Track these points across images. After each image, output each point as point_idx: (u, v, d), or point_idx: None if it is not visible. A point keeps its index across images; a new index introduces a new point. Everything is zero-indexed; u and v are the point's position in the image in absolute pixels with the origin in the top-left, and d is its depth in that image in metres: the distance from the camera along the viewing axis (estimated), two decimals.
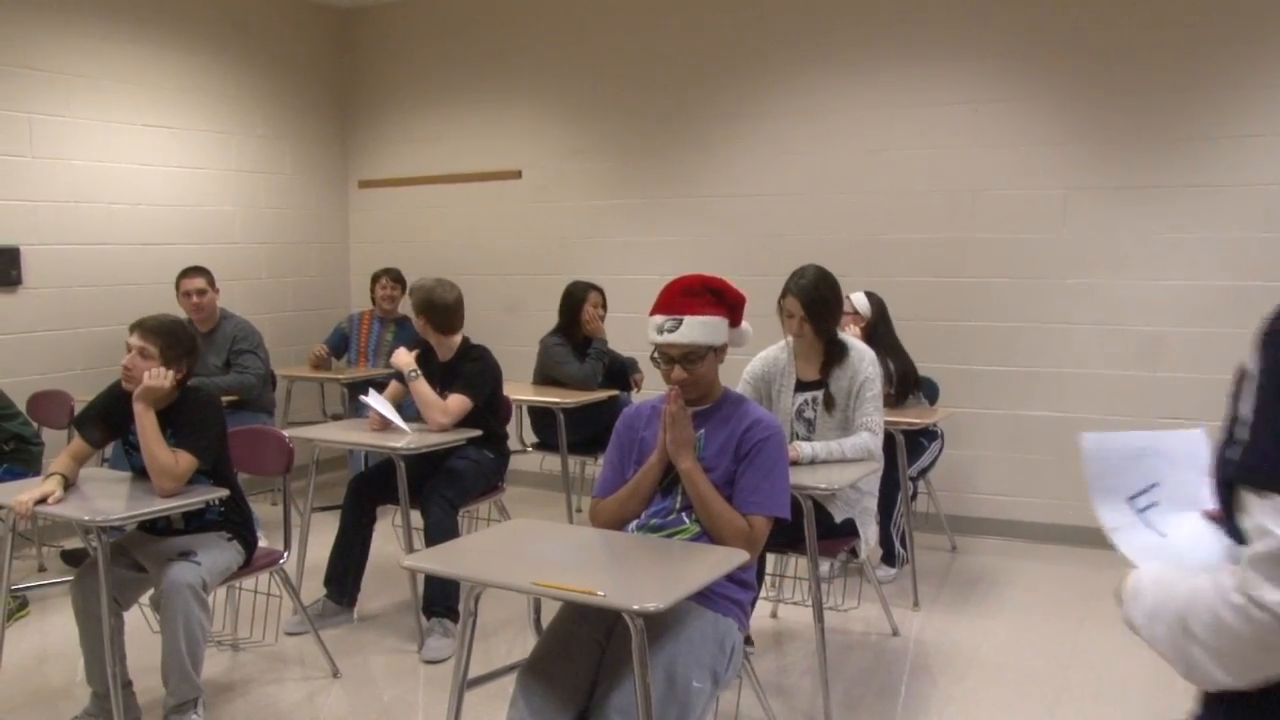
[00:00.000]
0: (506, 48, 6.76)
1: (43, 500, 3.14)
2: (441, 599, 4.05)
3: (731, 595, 2.67)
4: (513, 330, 6.46)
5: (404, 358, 4.28)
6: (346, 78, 7.38)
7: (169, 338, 3.30)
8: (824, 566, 4.18)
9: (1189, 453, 1.26)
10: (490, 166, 6.86)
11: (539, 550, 2.68)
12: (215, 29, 6.45)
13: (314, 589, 4.36)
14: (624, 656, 2.31)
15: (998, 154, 5.41)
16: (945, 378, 5.27)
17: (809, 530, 3.33)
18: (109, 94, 5.84)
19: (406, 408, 4.32)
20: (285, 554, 3.69)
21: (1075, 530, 5.14)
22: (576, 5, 6.51)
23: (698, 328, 2.77)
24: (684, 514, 2.76)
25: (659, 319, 2.80)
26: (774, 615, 4.33)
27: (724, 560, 2.50)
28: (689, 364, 2.78)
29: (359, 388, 5.27)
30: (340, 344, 6.38)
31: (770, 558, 3.78)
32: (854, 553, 3.71)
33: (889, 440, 4.12)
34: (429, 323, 4.32)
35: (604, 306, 5.51)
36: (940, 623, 4.31)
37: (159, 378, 3.25)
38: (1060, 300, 5.28)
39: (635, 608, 2.16)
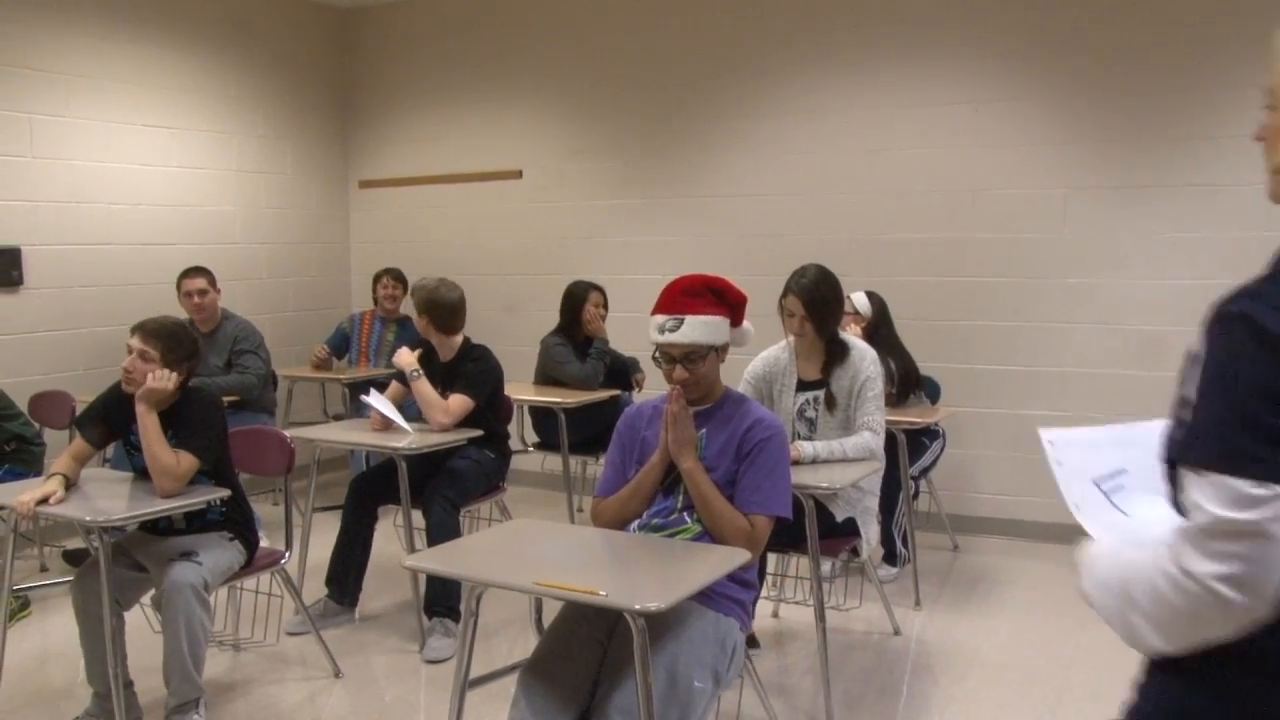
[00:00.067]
0: (507, 48, 6.76)
1: (44, 500, 3.14)
2: (443, 599, 4.05)
3: (733, 595, 2.67)
4: (514, 330, 6.46)
5: (407, 357, 4.28)
6: (347, 78, 7.38)
7: (170, 340, 3.30)
8: (825, 566, 4.18)
9: (1155, 442, 1.29)
10: (491, 166, 6.86)
11: (540, 550, 2.68)
12: (216, 29, 6.45)
13: (315, 589, 4.36)
14: (625, 656, 2.31)
15: (998, 154, 5.41)
16: (946, 377, 5.27)
17: (810, 530, 3.33)
18: (109, 94, 5.84)
19: (407, 408, 4.32)
20: (287, 554, 3.70)
21: (1077, 530, 5.09)
22: (577, 5, 6.50)
23: (699, 327, 2.77)
24: (685, 514, 2.76)
25: (660, 319, 2.80)
26: (775, 615, 4.33)
27: (725, 560, 2.50)
28: (690, 363, 2.78)
29: (360, 388, 5.27)
30: (341, 344, 6.38)
31: (772, 557, 3.78)
32: (855, 552, 3.72)
33: (890, 440, 4.12)
34: (432, 322, 4.32)
35: (605, 306, 5.51)
36: (942, 622, 4.31)
37: (163, 380, 3.25)
38: (1061, 300, 5.28)
39: (637, 607, 2.16)
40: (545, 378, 5.43)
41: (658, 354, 2.84)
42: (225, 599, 4.04)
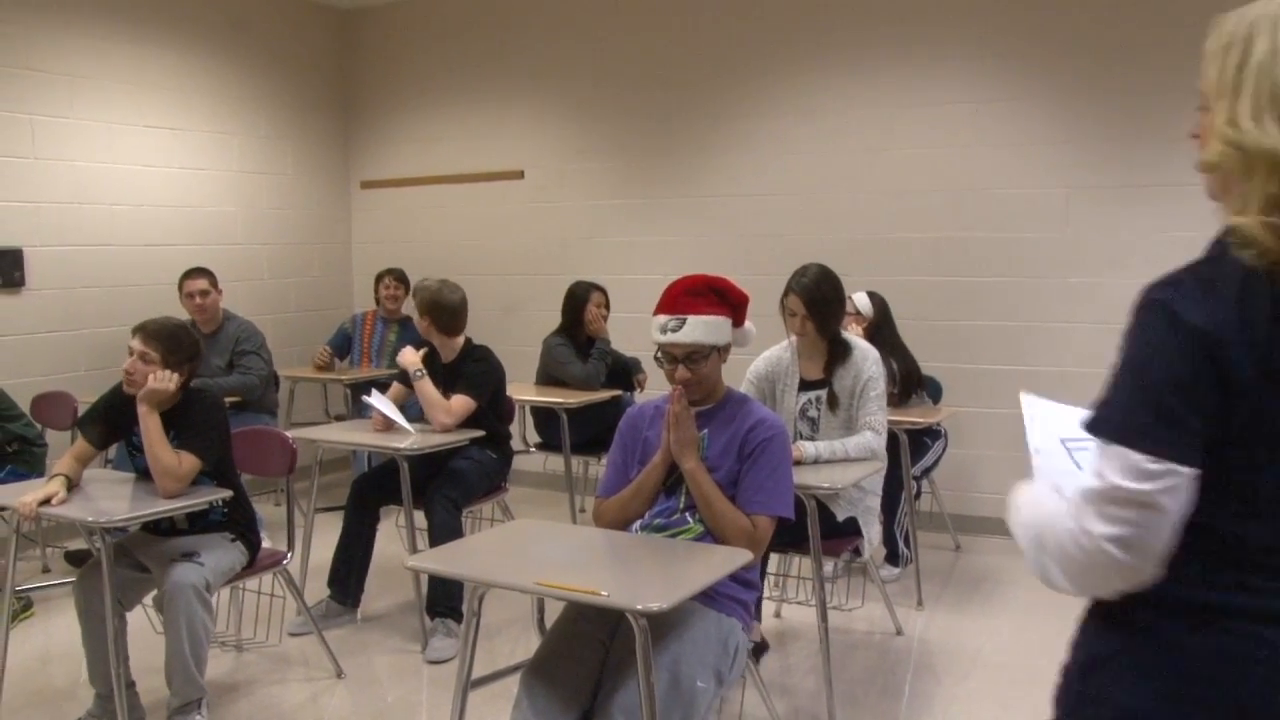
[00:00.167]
0: (508, 48, 6.76)
1: (46, 501, 3.14)
2: (445, 599, 4.05)
3: (735, 595, 2.66)
4: (515, 330, 6.46)
5: (410, 356, 4.28)
6: (348, 78, 7.39)
7: (170, 342, 3.30)
8: (827, 566, 4.17)
9: None
10: (492, 167, 6.87)
11: (542, 550, 2.68)
12: (217, 30, 6.45)
13: (317, 590, 4.36)
14: (628, 657, 2.31)
15: (999, 153, 5.41)
16: (948, 377, 5.27)
17: (812, 530, 3.33)
18: (111, 95, 5.85)
19: (409, 408, 4.32)
20: (289, 555, 3.70)
21: None
22: (578, 6, 6.51)
23: (701, 327, 2.77)
24: (687, 514, 2.76)
25: (662, 319, 2.80)
26: (778, 615, 4.33)
27: (727, 560, 2.50)
28: (692, 363, 2.78)
29: (362, 388, 5.27)
30: (343, 344, 6.38)
31: (774, 557, 3.78)
32: (857, 552, 3.71)
33: (892, 439, 4.11)
34: (434, 323, 4.32)
35: (607, 306, 5.51)
36: (944, 622, 4.30)
37: (164, 380, 3.25)
38: (1063, 299, 5.27)
39: (639, 608, 2.16)
40: (547, 378, 5.43)
41: (660, 354, 2.83)
42: (227, 599, 4.05)
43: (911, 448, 4.57)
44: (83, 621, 3.27)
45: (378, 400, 4.25)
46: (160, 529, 3.42)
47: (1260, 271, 1.17)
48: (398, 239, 7.25)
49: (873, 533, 3.71)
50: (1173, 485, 1.19)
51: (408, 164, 7.21)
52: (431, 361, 4.32)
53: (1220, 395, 1.19)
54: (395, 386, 4.44)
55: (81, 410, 4.30)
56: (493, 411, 4.37)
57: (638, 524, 2.81)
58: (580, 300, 5.43)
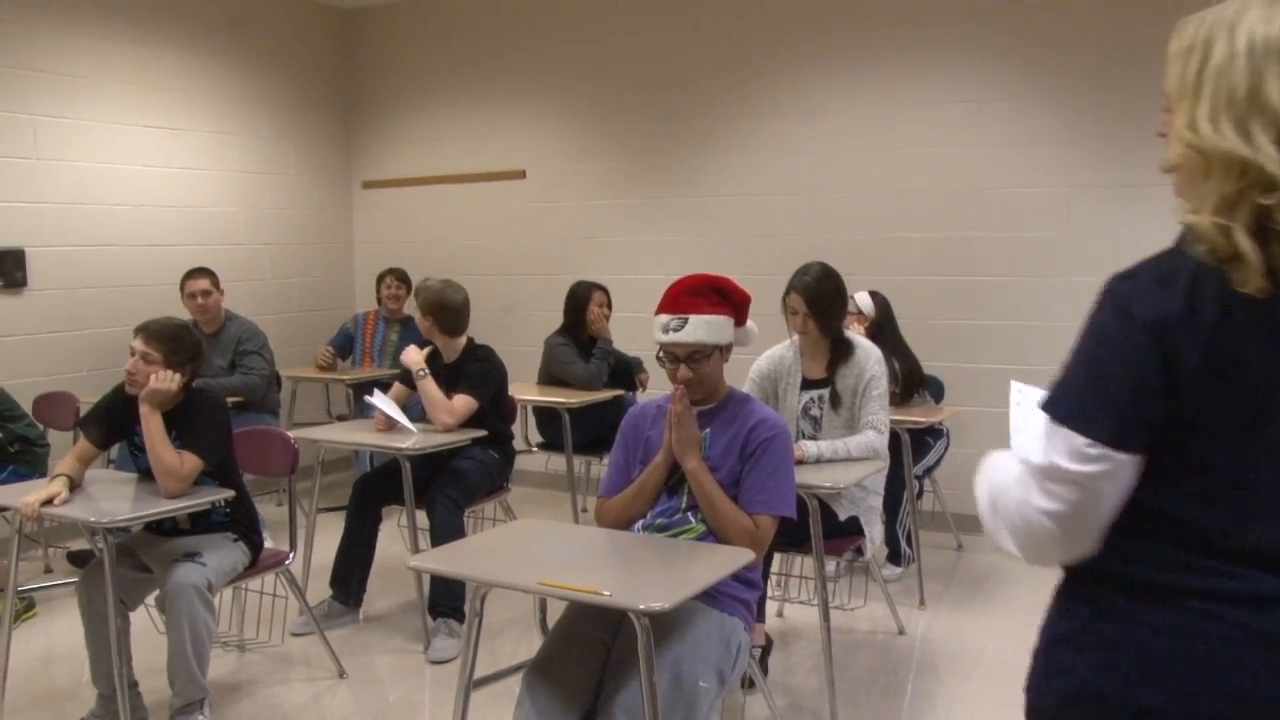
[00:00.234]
0: (510, 48, 6.76)
1: (49, 501, 3.14)
2: (447, 599, 4.05)
3: (737, 595, 2.66)
4: (517, 330, 6.46)
5: (414, 356, 4.27)
6: (350, 78, 7.39)
7: (172, 343, 3.30)
8: (829, 565, 4.17)
9: None
10: (494, 166, 6.87)
11: (545, 550, 2.68)
12: (218, 30, 6.45)
13: (320, 590, 4.36)
14: (630, 656, 2.31)
15: (1002, 152, 5.40)
16: (950, 376, 5.26)
17: (814, 529, 3.33)
18: (112, 95, 5.85)
19: (410, 409, 4.32)
20: (291, 555, 3.70)
21: None
22: (580, 5, 6.50)
23: (703, 327, 2.77)
24: (689, 514, 2.76)
25: (664, 318, 2.80)
26: (780, 614, 4.32)
27: (729, 560, 2.50)
28: (694, 363, 2.78)
29: (364, 388, 5.27)
30: (345, 344, 6.38)
31: (776, 557, 3.77)
32: (860, 552, 3.71)
33: (894, 439, 4.11)
34: (436, 323, 4.31)
35: (608, 306, 5.51)
36: (946, 622, 4.30)
37: (166, 380, 3.25)
38: (1065, 299, 5.27)
39: (641, 608, 2.16)
40: (549, 378, 5.42)
41: (662, 353, 2.83)
42: (230, 600, 4.05)
43: (913, 447, 4.57)
44: (85, 622, 3.27)
45: (379, 400, 4.25)
46: (162, 529, 3.42)
47: (1211, 268, 1.21)
48: (399, 239, 7.25)
49: (875, 532, 3.71)
50: (1108, 470, 1.26)
51: (409, 164, 7.21)
52: (434, 361, 4.32)
53: (1168, 385, 1.23)
54: (396, 386, 4.44)
55: (83, 410, 4.30)
56: (495, 411, 4.37)
57: (640, 524, 2.81)
58: (582, 300, 5.43)
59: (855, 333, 4.09)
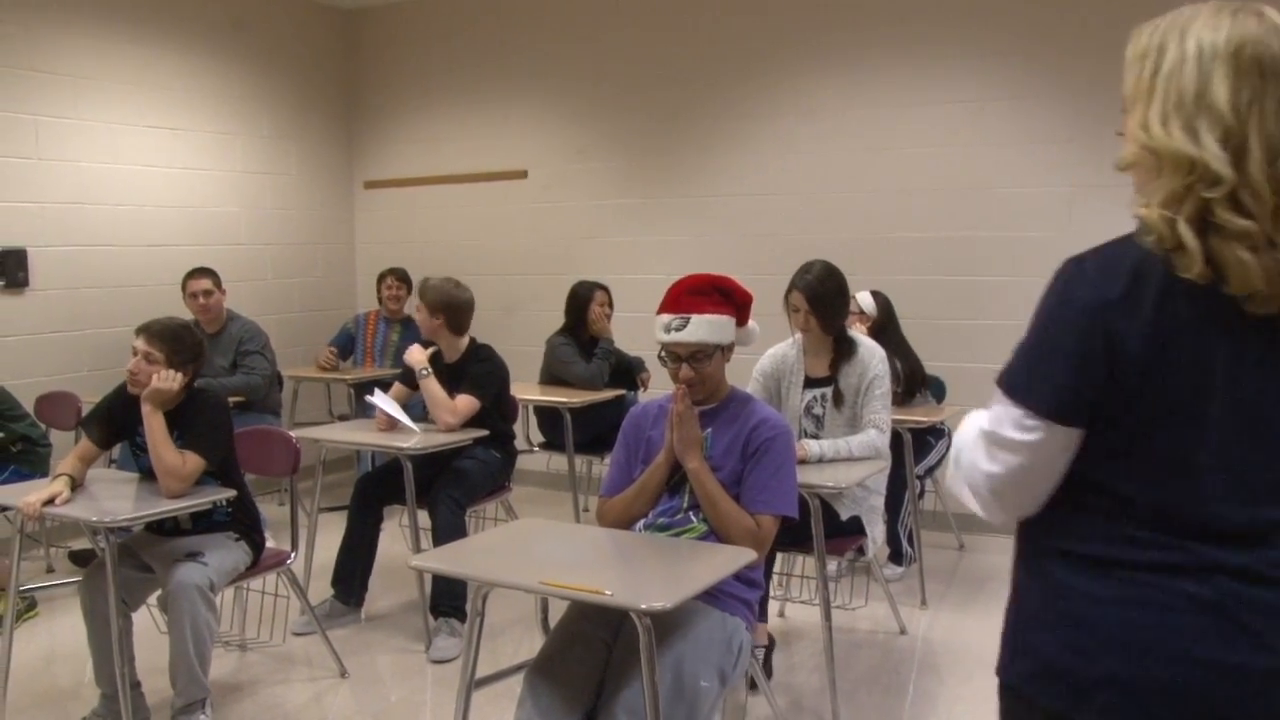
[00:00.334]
0: (511, 48, 6.76)
1: (50, 501, 3.14)
2: (449, 599, 4.05)
3: (739, 594, 2.66)
4: (518, 330, 6.46)
5: (418, 355, 4.27)
6: (351, 78, 7.39)
7: (174, 343, 3.30)
8: (831, 565, 4.16)
9: None
10: (496, 166, 6.87)
11: (546, 550, 2.68)
12: (219, 30, 6.45)
13: (321, 589, 4.36)
14: (631, 656, 2.31)
15: (1003, 152, 5.40)
16: (952, 376, 5.26)
17: (816, 529, 3.33)
18: (114, 95, 5.85)
19: (411, 409, 4.32)
20: (292, 554, 3.70)
21: None
22: (581, 6, 6.50)
23: (705, 326, 2.77)
24: (691, 513, 2.76)
25: (666, 318, 2.80)
26: (781, 614, 4.32)
27: (731, 559, 2.49)
28: (696, 363, 2.78)
29: (365, 388, 5.27)
30: (347, 344, 6.39)
31: (778, 556, 3.77)
32: (861, 551, 3.71)
33: (896, 439, 4.11)
34: (447, 322, 4.31)
35: (610, 306, 5.51)
36: (948, 621, 4.30)
37: (168, 380, 3.25)
38: None
39: (643, 607, 2.16)
40: (550, 378, 5.43)
41: (663, 353, 2.83)
42: (231, 599, 4.05)
43: (915, 447, 4.56)
44: (87, 621, 3.27)
45: (381, 400, 4.25)
46: (164, 529, 3.42)
47: (1157, 256, 1.30)
48: (401, 239, 7.25)
49: (876, 532, 3.71)
50: (1045, 439, 1.35)
51: (411, 164, 7.21)
52: (435, 361, 4.32)
53: (1108, 365, 1.31)
54: (396, 386, 4.44)
55: (85, 410, 4.30)
56: (496, 411, 4.37)
57: (641, 523, 2.81)
58: (583, 300, 5.43)
59: (858, 332, 4.09)
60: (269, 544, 3.64)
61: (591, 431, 5.19)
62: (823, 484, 3.29)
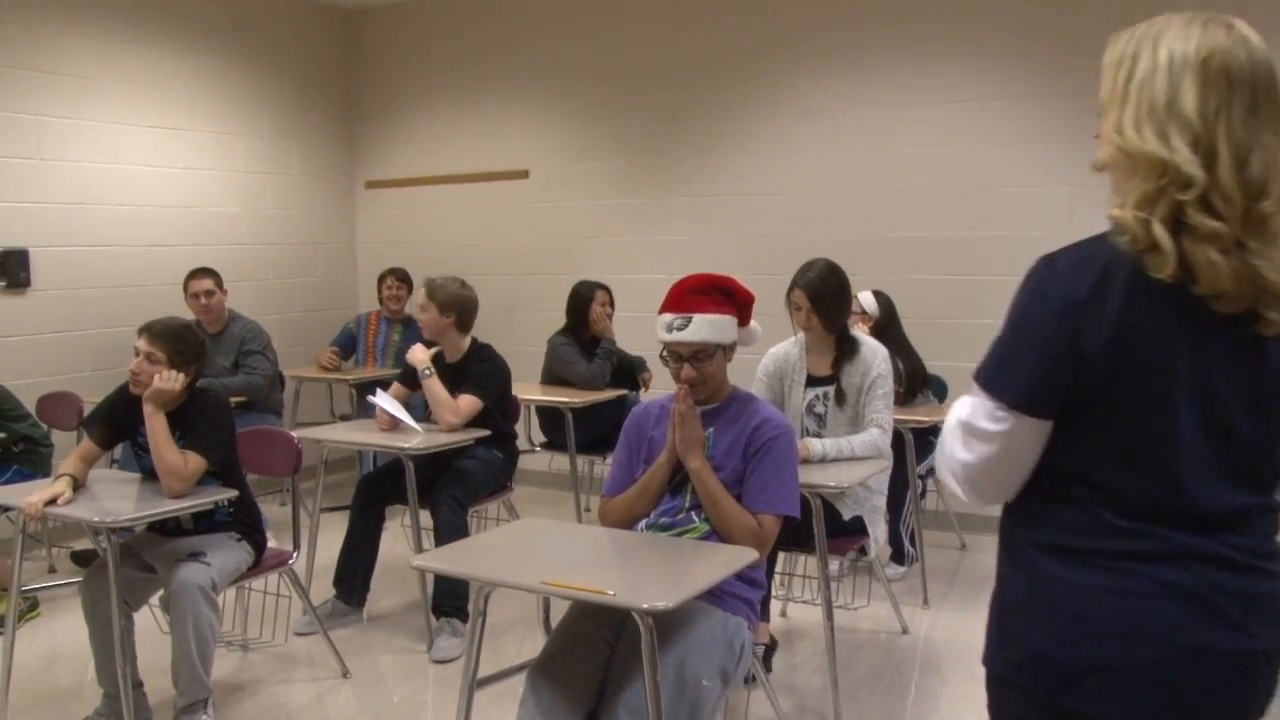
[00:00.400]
0: (512, 48, 6.76)
1: (52, 501, 3.14)
2: (451, 599, 4.05)
3: (741, 594, 2.66)
4: (520, 330, 6.46)
5: (421, 354, 4.27)
6: (353, 78, 7.39)
7: (177, 343, 3.30)
8: (833, 565, 4.17)
9: None
10: (497, 166, 6.87)
11: (548, 550, 2.68)
12: (220, 30, 6.45)
13: (323, 589, 4.36)
14: (633, 656, 2.31)
15: (1005, 151, 5.40)
16: (954, 376, 5.25)
17: (818, 529, 3.33)
18: (116, 95, 5.85)
19: (411, 409, 4.32)
20: (294, 554, 3.70)
21: None
22: (582, 5, 6.50)
23: (707, 326, 2.77)
24: (693, 513, 2.76)
25: (668, 317, 2.80)
26: (783, 614, 4.32)
27: (733, 559, 2.49)
28: (698, 362, 2.78)
29: (367, 388, 5.27)
30: (348, 345, 6.39)
31: (780, 556, 3.77)
32: (863, 551, 3.71)
33: (898, 438, 4.11)
34: (456, 321, 4.32)
35: (611, 305, 5.51)
36: (950, 621, 4.30)
37: (170, 380, 3.25)
38: None
39: (645, 607, 2.16)
40: (552, 377, 5.42)
41: (665, 352, 2.83)
42: (233, 599, 4.05)
43: (917, 447, 4.56)
44: (89, 621, 3.27)
45: (384, 400, 4.25)
46: (166, 529, 3.42)
47: (1128, 256, 1.35)
48: (402, 239, 7.25)
49: (878, 532, 3.71)
50: (1013, 430, 1.42)
51: (412, 164, 7.21)
52: (437, 361, 4.31)
53: (1074, 361, 1.37)
54: (395, 386, 4.44)
55: (87, 410, 4.30)
56: (498, 411, 4.37)
57: (643, 523, 2.81)
58: (585, 299, 5.43)
59: (860, 332, 4.09)
60: (271, 544, 3.65)
61: (593, 431, 5.19)
62: (825, 484, 3.29)
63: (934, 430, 4.75)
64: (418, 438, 4.05)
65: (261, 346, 5.49)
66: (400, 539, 4.83)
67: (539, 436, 5.53)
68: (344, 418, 6.38)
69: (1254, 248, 1.31)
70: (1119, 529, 1.39)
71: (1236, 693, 1.40)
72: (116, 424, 3.44)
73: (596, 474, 5.97)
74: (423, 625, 4.11)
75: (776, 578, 3.86)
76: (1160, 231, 1.32)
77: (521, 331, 6.40)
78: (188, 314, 5.11)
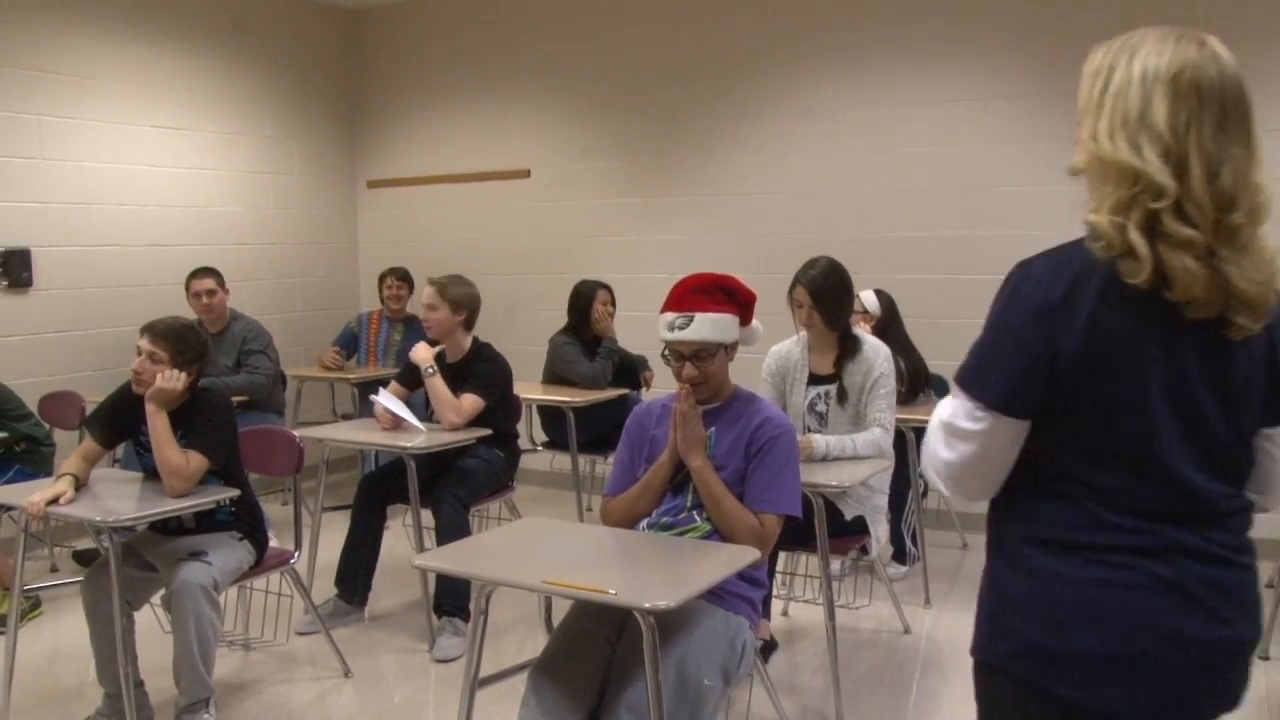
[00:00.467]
0: (514, 47, 6.76)
1: (54, 501, 3.15)
2: (452, 598, 4.05)
3: (742, 593, 2.66)
4: (521, 329, 6.46)
5: (423, 353, 4.26)
6: (354, 78, 7.39)
7: (179, 342, 3.31)
8: (835, 564, 4.16)
9: None
10: (498, 166, 6.87)
11: (550, 549, 2.68)
12: (222, 30, 6.46)
13: (325, 589, 4.36)
14: (635, 655, 2.31)
15: (1006, 151, 5.39)
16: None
17: (820, 528, 3.33)
18: (118, 95, 5.86)
19: (412, 408, 4.31)
20: (296, 554, 3.70)
21: None
22: (583, 5, 6.50)
23: (708, 325, 2.77)
24: (695, 512, 2.76)
25: (670, 316, 2.80)
26: (785, 613, 4.32)
27: (735, 558, 2.50)
28: (700, 361, 2.78)
29: (369, 387, 5.27)
30: (350, 344, 6.39)
31: (781, 555, 3.77)
32: (865, 550, 3.71)
33: (900, 438, 4.10)
34: (466, 319, 4.32)
35: (613, 305, 5.51)
36: (951, 620, 4.30)
37: (172, 380, 3.25)
38: None
39: (646, 606, 2.16)
40: (554, 377, 5.42)
41: (667, 352, 2.83)
42: (235, 599, 4.05)
43: (918, 446, 4.55)
44: (91, 621, 3.27)
45: (388, 399, 4.25)
46: (168, 528, 3.42)
47: (1102, 261, 1.40)
48: (404, 238, 7.26)
49: (880, 531, 3.71)
50: (991, 430, 1.47)
51: (414, 163, 7.21)
52: (438, 360, 4.31)
53: (1049, 363, 1.42)
54: (394, 385, 4.43)
55: (89, 410, 4.30)
56: (500, 410, 4.37)
57: (645, 522, 2.81)
58: (586, 299, 5.43)
59: (862, 331, 4.09)
60: (272, 543, 3.65)
61: (595, 431, 5.19)
62: (826, 483, 3.29)
63: None
64: (420, 437, 4.05)
65: (263, 346, 5.50)
66: (402, 538, 4.83)
67: (540, 436, 5.53)
68: (346, 417, 6.39)
69: (1225, 255, 1.35)
70: (1108, 524, 1.43)
71: (1215, 680, 1.46)
72: (118, 423, 3.44)
73: (598, 473, 5.97)
74: (424, 624, 4.11)
75: (778, 577, 3.86)
76: (1137, 238, 1.36)
77: (523, 331, 6.40)
78: (190, 313, 5.11)
